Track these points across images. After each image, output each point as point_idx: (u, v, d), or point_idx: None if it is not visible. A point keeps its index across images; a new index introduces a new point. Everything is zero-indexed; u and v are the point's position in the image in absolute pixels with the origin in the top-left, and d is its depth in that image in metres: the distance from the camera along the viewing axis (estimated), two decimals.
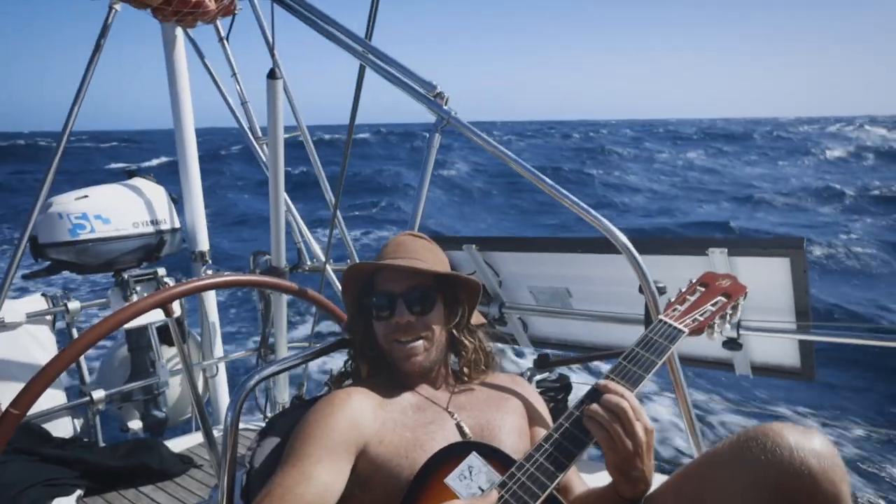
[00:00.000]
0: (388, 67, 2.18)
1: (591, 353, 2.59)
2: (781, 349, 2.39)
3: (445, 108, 2.05)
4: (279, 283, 1.80)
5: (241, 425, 3.52)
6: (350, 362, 1.52)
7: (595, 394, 1.15)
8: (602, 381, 1.16)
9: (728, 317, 1.38)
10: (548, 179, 1.87)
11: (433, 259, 1.45)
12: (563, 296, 2.74)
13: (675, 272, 2.20)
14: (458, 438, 1.30)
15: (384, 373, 1.44)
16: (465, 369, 1.46)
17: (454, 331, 1.44)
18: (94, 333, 1.66)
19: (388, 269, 1.41)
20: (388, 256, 1.43)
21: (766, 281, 2.12)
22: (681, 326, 1.30)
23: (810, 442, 1.00)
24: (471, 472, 1.16)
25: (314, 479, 1.17)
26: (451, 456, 1.18)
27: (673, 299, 1.40)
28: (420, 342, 1.38)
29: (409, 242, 1.48)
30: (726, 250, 2.09)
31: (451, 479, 1.15)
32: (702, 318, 1.33)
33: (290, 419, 1.48)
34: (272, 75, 2.61)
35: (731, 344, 2.28)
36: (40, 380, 1.51)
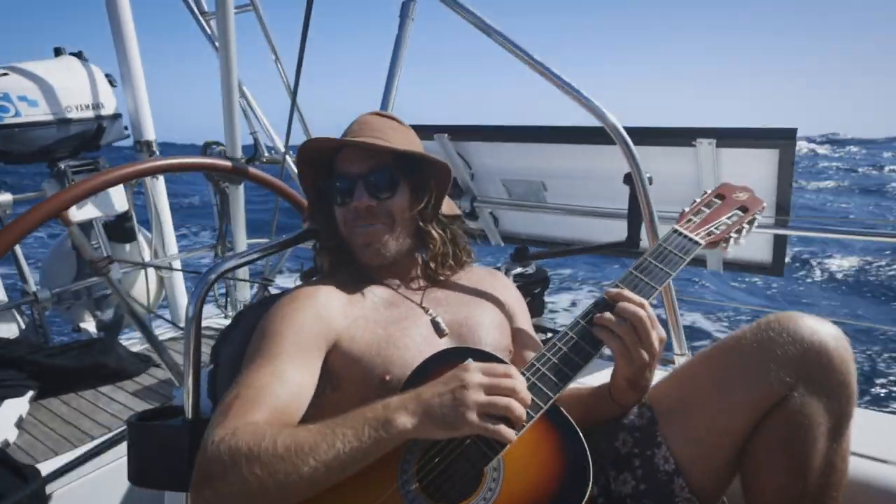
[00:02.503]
0: None
1: (571, 247, 2.53)
2: (754, 244, 2.37)
3: None
4: (232, 166, 1.62)
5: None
6: (315, 255, 1.39)
7: (604, 303, 1.08)
8: (613, 290, 1.09)
9: (744, 231, 1.30)
10: (536, 56, 1.70)
11: (402, 140, 1.29)
12: (538, 189, 2.64)
13: (660, 163, 2.12)
14: (433, 335, 1.22)
15: (350, 266, 1.33)
16: (432, 264, 1.33)
17: (421, 221, 1.31)
18: (27, 222, 1.47)
19: (348, 149, 1.27)
20: (350, 136, 1.27)
21: (751, 174, 2.05)
22: (697, 238, 1.21)
23: (825, 326, 1.05)
24: None
25: (286, 379, 1.07)
26: (443, 361, 1.08)
27: (687, 209, 1.30)
28: (381, 229, 1.26)
29: (375, 121, 1.32)
30: (714, 141, 2.00)
31: None
32: (717, 232, 1.25)
33: (259, 314, 1.37)
34: None
35: None
36: None
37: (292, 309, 1.17)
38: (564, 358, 1.03)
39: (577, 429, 0.99)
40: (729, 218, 1.27)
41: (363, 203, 1.23)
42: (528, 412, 0.95)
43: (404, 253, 1.31)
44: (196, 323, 1.37)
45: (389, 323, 1.21)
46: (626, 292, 1.07)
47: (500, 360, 1.09)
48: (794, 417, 1.01)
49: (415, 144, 1.33)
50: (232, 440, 0.93)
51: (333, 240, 1.33)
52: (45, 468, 2.07)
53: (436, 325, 1.24)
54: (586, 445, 0.96)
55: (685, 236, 1.21)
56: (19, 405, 2.45)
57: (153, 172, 1.60)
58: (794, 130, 1.90)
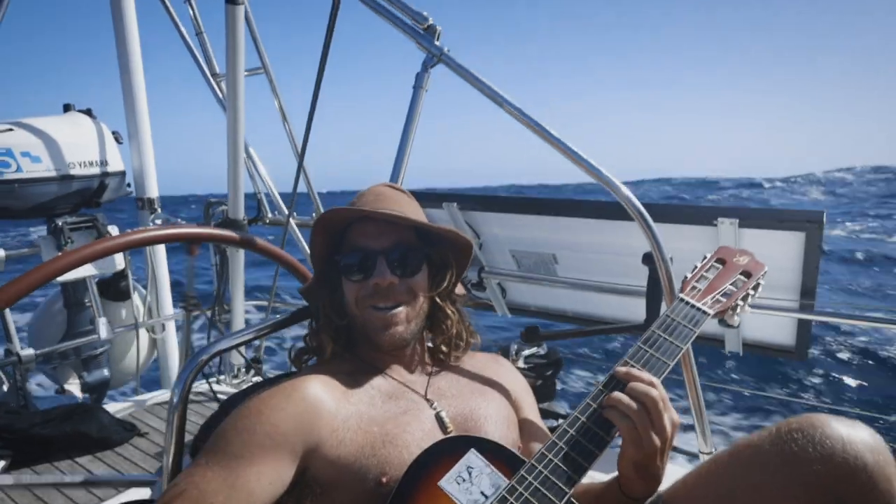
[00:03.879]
0: None
1: (586, 328, 2.42)
2: (776, 327, 2.27)
3: (437, 43, 1.78)
4: (239, 238, 1.53)
5: (194, 389, 3.25)
6: (311, 337, 1.25)
7: (614, 381, 0.99)
8: (622, 368, 1.00)
9: (750, 298, 1.22)
10: (553, 132, 1.64)
11: (417, 215, 1.21)
12: (549, 262, 2.55)
13: (679, 242, 2.03)
14: (436, 430, 1.10)
15: (349, 349, 1.21)
16: (444, 347, 1.24)
17: (437, 299, 1.21)
18: (19, 286, 1.36)
19: (367, 221, 1.17)
20: (366, 207, 1.18)
21: (776, 255, 1.96)
22: (705, 308, 1.13)
23: (860, 434, 0.92)
24: (470, 474, 0.97)
25: (239, 487, 0.96)
26: (443, 454, 0.98)
27: (689, 276, 1.22)
28: (401, 309, 1.15)
29: (390, 193, 1.23)
30: (737, 221, 1.92)
31: (447, 482, 0.95)
32: (724, 300, 1.17)
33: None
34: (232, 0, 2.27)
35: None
36: None
37: (273, 405, 1.04)
38: (577, 446, 0.94)
39: None
40: (733, 284, 1.20)
41: (386, 280, 1.12)
42: None
43: (417, 335, 1.20)
44: (181, 406, 1.25)
45: (387, 419, 1.08)
46: (635, 371, 0.99)
47: (507, 450, 1.00)
48: None
49: (424, 219, 1.25)
50: None
51: (340, 318, 1.21)
52: None
53: (440, 420, 1.12)
54: None
55: (692, 305, 1.13)
56: None
57: (158, 242, 1.52)
58: (821, 213, 1.83)
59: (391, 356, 1.19)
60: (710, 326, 2.41)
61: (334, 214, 1.17)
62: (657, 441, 0.93)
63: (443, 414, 1.13)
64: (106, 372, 3.20)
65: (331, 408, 1.07)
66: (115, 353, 3.23)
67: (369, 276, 1.14)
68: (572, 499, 0.91)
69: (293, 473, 1.02)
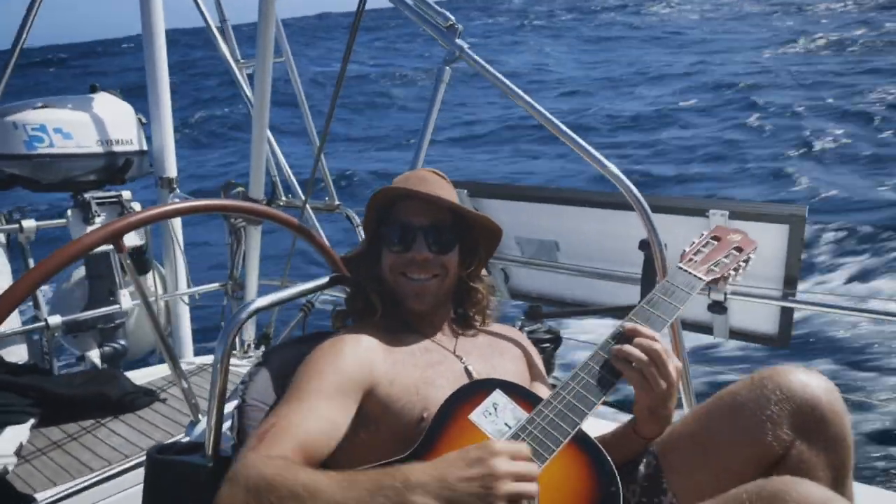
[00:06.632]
0: None
1: (585, 308, 2.58)
2: (761, 315, 2.43)
3: (458, 41, 1.93)
4: (279, 215, 1.67)
5: (201, 361, 3.39)
6: (354, 300, 1.43)
7: (622, 336, 1.15)
8: (628, 324, 1.17)
9: (740, 269, 1.39)
10: (562, 125, 1.80)
11: (454, 198, 1.38)
12: (551, 249, 2.71)
13: (671, 231, 2.19)
14: (464, 380, 1.27)
15: (389, 313, 1.38)
16: (477, 315, 1.43)
17: (468, 279, 1.40)
18: (54, 262, 1.48)
19: (412, 200, 1.33)
20: (411, 188, 1.34)
21: (761, 246, 2.11)
22: (700, 275, 1.30)
23: (816, 379, 1.13)
24: (496, 409, 1.13)
25: (320, 416, 1.13)
26: (472, 393, 1.15)
27: (687, 249, 1.39)
28: (432, 281, 1.33)
29: (433, 179, 1.40)
30: (727, 213, 2.08)
31: (476, 416, 1.12)
32: (717, 270, 1.34)
33: (286, 354, 1.41)
34: None
35: (717, 307, 2.29)
36: None
37: (336, 351, 1.24)
38: (588, 386, 1.11)
39: (605, 452, 1.05)
40: (726, 257, 1.37)
41: (422, 255, 1.30)
42: (558, 437, 1.03)
43: (443, 304, 1.39)
44: (225, 359, 1.40)
45: (426, 366, 1.27)
46: (640, 328, 1.15)
47: (526, 390, 1.18)
48: (794, 473, 1.05)
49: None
50: (262, 466, 0.99)
51: (377, 286, 1.38)
52: (43, 498, 2.05)
53: (468, 372, 1.30)
54: (615, 467, 1.02)
55: (689, 273, 1.30)
56: (20, 432, 2.43)
57: (228, 210, 1.62)
58: (804, 208, 1.99)
59: (424, 318, 1.37)
60: (700, 314, 2.56)
61: (387, 192, 1.34)
62: (664, 385, 1.10)
63: (470, 367, 1.30)
64: (123, 342, 3.35)
65: (382, 355, 1.26)
66: (133, 325, 3.38)
67: (408, 249, 1.31)
68: (583, 429, 1.06)
69: (356, 409, 1.20)
